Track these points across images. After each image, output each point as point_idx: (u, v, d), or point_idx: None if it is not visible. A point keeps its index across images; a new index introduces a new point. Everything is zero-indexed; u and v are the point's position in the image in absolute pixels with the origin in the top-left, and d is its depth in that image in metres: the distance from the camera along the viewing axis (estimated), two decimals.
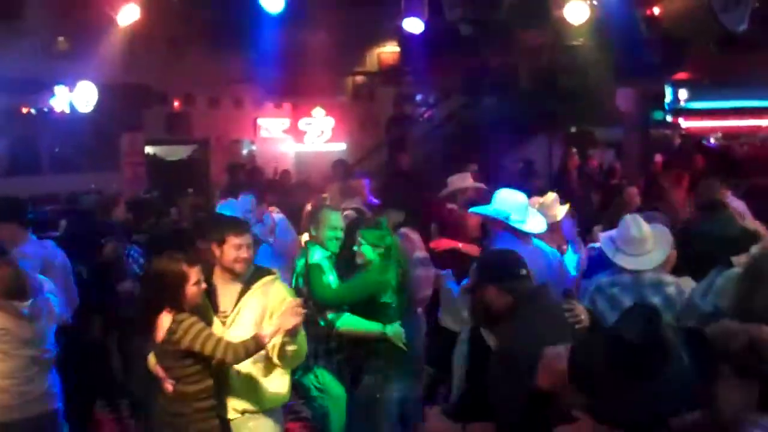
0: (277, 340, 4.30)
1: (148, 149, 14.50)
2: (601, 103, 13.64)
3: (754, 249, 4.84)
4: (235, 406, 4.53)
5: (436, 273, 6.09)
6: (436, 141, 15.40)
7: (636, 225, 4.91)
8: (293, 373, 4.86)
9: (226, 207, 7.36)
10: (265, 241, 6.82)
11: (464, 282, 4.02)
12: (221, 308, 4.55)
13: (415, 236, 6.49)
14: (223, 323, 4.49)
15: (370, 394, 5.43)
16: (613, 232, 5.03)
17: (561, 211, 6.05)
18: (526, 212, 5.41)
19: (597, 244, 5.46)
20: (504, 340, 3.49)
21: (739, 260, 4.80)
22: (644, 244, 4.86)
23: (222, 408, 4.49)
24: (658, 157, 12.53)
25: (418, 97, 17.54)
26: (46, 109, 12.53)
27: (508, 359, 3.31)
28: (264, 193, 7.95)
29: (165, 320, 4.29)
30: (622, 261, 4.86)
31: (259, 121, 16.09)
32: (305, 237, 6.29)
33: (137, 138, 13.88)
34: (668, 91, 15.13)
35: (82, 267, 6.52)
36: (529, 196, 5.74)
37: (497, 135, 12.47)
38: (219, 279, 4.58)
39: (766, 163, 11.31)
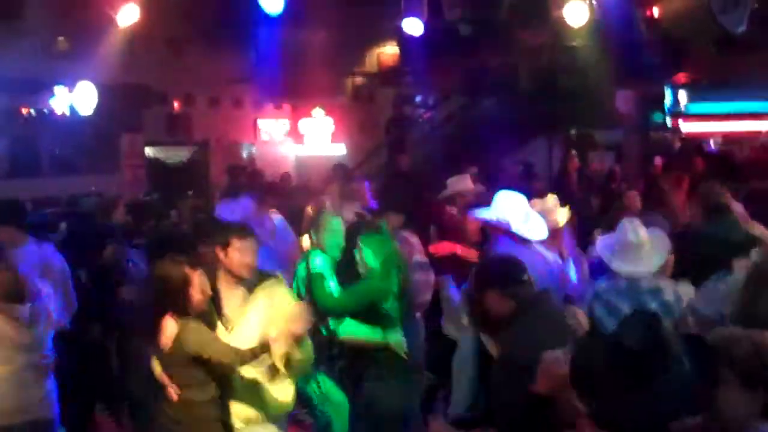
0: (284, 348, 4.27)
1: (148, 152, 14.49)
2: (600, 103, 13.65)
3: (755, 253, 4.85)
4: (239, 413, 4.50)
5: (437, 279, 6.08)
6: (436, 142, 15.40)
7: (633, 230, 4.91)
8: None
9: (225, 209, 7.34)
10: (264, 244, 6.80)
11: (464, 287, 4.03)
12: (225, 312, 4.52)
13: (414, 240, 6.48)
14: (227, 328, 4.47)
15: (371, 401, 5.43)
16: (610, 238, 5.03)
17: (562, 216, 6.04)
18: (527, 217, 5.40)
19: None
20: (505, 346, 3.50)
21: (740, 264, 4.81)
22: (641, 249, 4.85)
23: (226, 415, 4.47)
24: (658, 160, 12.52)
25: (418, 99, 17.53)
26: (45, 110, 12.52)
27: (509, 365, 3.32)
28: (264, 196, 7.95)
29: (169, 325, 4.25)
30: (619, 266, 4.85)
31: (260, 123, 16.08)
32: (305, 240, 6.29)
33: (137, 140, 13.86)
34: (668, 94, 15.12)
35: (81, 270, 6.51)
36: (529, 198, 5.72)
37: (497, 136, 12.46)
38: (223, 283, 4.55)
39: (766, 167, 11.28)
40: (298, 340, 4.27)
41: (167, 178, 14.01)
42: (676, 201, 7.93)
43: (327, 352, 5.51)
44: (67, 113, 12.42)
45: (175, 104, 14.45)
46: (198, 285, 4.31)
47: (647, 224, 5.25)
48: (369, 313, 5.40)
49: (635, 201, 7.66)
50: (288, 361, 4.38)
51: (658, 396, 2.53)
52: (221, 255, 4.49)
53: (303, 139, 16.56)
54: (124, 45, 11.16)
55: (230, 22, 12.40)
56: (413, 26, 12.13)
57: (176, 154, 15.48)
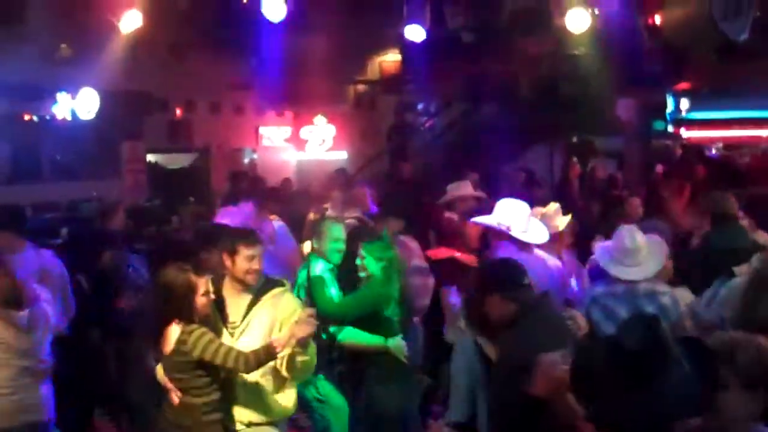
0: (287, 351, 4.28)
1: (149, 157, 14.49)
2: (602, 111, 13.65)
3: (756, 259, 4.86)
4: (241, 417, 4.50)
5: (440, 287, 6.07)
6: (437, 150, 15.40)
7: (630, 236, 4.94)
8: None
9: (225, 214, 7.33)
10: (265, 249, 6.79)
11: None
12: (230, 319, 4.52)
13: (413, 244, 6.49)
14: (232, 334, 4.46)
15: (371, 404, 5.42)
16: (608, 243, 5.06)
17: (562, 221, 6.05)
18: (528, 223, 5.41)
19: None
20: (505, 349, 3.49)
21: (741, 270, 4.81)
22: (638, 254, 4.89)
23: (227, 419, 4.46)
24: (659, 168, 12.53)
25: (420, 106, 17.55)
26: (47, 116, 12.52)
27: (509, 367, 3.31)
28: (264, 201, 7.94)
29: (173, 331, 4.25)
30: (617, 271, 4.89)
31: (261, 129, 16.09)
32: (307, 246, 6.28)
33: (138, 146, 13.86)
34: (669, 101, 15.13)
35: (81, 275, 6.50)
36: (531, 206, 5.73)
37: (498, 144, 12.45)
38: (228, 289, 4.55)
39: (766, 174, 11.29)
40: (303, 345, 4.26)
41: (168, 184, 14.00)
42: (677, 208, 7.93)
43: (327, 356, 5.51)
44: (69, 119, 12.42)
45: (177, 110, 14.46)
46: (202, 291, 4.30)
47: (647, 230, 5.26)
48: (370, 319, 5.40)
49: (637, 208, 7.67)
50: (291, 365, 4.37)
51: (658, 397, 2.52)
52: (228, 262, 4.49)
53: (304, 145, 16.58)
54: (126, 51, 11.17)
55: (232, 29, 12.42)
56: (415, 34, 12.15)
57: (177, 160, 15.49)
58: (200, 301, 4.29)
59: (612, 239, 5.04)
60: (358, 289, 5.51)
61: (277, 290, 4.56)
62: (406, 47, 14.07)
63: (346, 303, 5.49)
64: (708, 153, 15.27)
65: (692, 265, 6.01)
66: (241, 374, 4.37)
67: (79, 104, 12.33)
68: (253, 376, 4.40)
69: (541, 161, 14.36)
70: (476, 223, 5.93)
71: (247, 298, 4.52)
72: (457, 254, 6.51)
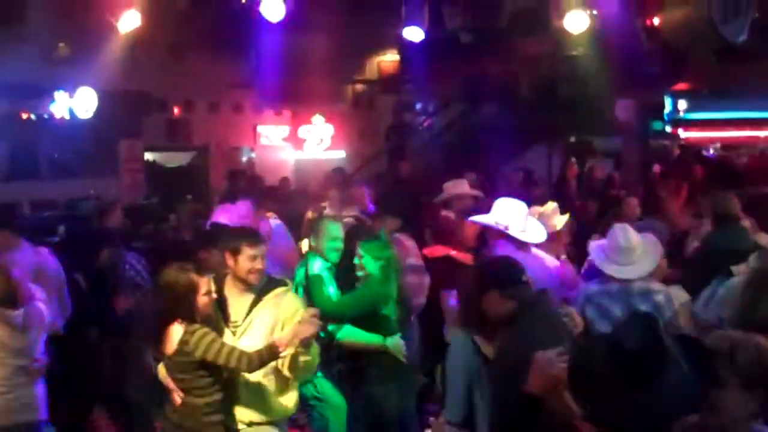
0: (289, 351, 4.27)
1: (148, 156, 14.49)
2: (600, 112, 13.66)
3: (753, 259, 4.87)
4: (242, 417, 4.49)
5: (448, 295, 6.05)
6: (436, 150, 15.40)
7: (624, 234, 4.95)
8: None
9: (221, 212, 7.34)
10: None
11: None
12: (232, 318, 4.50)
13: (409, 243, 6.49)
14: (234, 333, 4.45)
15: (370, 403, 5.42)
16: (603, 242, 5.07)
17: (560, 220, 6.06)
18: (526, 221, 5.41)
19: None
20: (503, 347, 3.49)
21: (739, 270, 4.83)
22: (632, 253, 4.90)
23: (229, 419, 4.44)
24: (657, 168, 12.55)
25: (418, 106, 17.56)
26: (45, 115, 12.53)
27: (507, 365, 3.31)
28: (261, 200, 7.94)
29: (175, 331, 4.23)
30: (611, 270, 4.90)
31: (259, 128, 16.10)
32: (305, 245, 6.29)
33: (136, 144, 13.87)
34: (667, 102, 15.15)
35: (78, 274, 6.50)
36: (529, 205, 5.74)
37: (497, 144, 12.47)
38: (231, 289, 4.53)
39: (764, 174, 11.30)
40: (306, 345, 4.26)
41: (167, 183, 14.01)
42: (674, 208, 7.94)
43: (325, 355, 5.50)
44: (67, 118, 12.42)
45: (175, 109, 14.46)
46: (204, 291, 4.28)
47: (645, 230, 5.28)
48: (368, 318, 5.40)
49: (634, 208, 7.67)
50: (294, 365, 4.37)
51: (657, 397, 2.53)
52: (231, 261, 4.47)
53: (302, 144, 16.58)
54: (125, 51, 11.16)
55: (231, 29, 12.41)
56: (414, 34, 12.15)
57: (176, 159, 15.49)
58: (202, 300, 4.27)
59: (606, 238, 5.05)
60: (356, 288, 5.51)
61: (279, 290, 4.55)
62: (405, 47, 14.07)
63: (344, 302, 5.49)
64: (706, 153, 15.30)
65: (693, 265, 6.03)
66: (243, 374, 4.36)
67: (77, 103, 12.34)
68: (255, 376, 4.39)
69: (540, 161, 14.38)
70: (474, 222, 5.94)
71: (250, 297, 4.50)
72: (453, 252, 6.52)
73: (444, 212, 7.25)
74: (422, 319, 6.25)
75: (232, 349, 4.21)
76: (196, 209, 9.50)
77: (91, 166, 13.16)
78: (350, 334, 5.41)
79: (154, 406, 6.18)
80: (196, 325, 4.22)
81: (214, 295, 4.37)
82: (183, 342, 4.18)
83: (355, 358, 5.51)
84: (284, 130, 16.53)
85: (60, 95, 12.36)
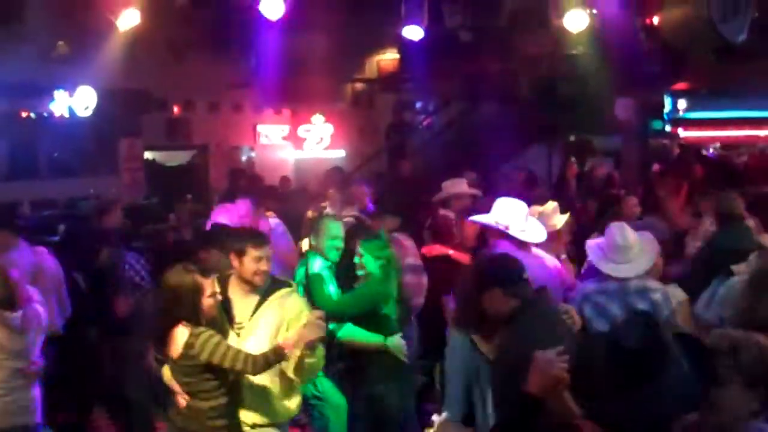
0: (295, 353, 4.26)
1: (148, 155, 14.49)
2: (600, 111, 13.65)
3: (754, 258, 4.87)
4: (245, 419, 4.49)
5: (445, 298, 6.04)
6: (436, 148, 15.40)
7: (621, 233, 4.95)
8: None
9: (221, 211, 7.34)
10: None
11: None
12: (236, 319, 4.49)
13: (408, 242, 6.49)
14: (238, 335, 4.44)
15: (370, 402, 5.43)
16: (600, 241, 5.06)
17: (560, 220, 6.06)
18: (526, 221, 5.41)
19: None
20: (505, 345, 3.48)
21: (739, 269, 4.83)
22: (629, 252, 4.90)
23: (233, 422, 4.42)
24: (657, 167, 12.55)
25: (418, 105, 17.55)
26: (45, 114, 12.52)
27: (508, 364, 3.30)
28: (262, 199, 7.94)
29: (180, 333, 4.20)
30: (608, 269, 4.91)
31: (259, 127, 16.10)
32: (305, 244, 6.29)
33: (136, 143, 13.86)
34: (667, 101, 15.14)
35: (78, 274, 6.49)
36: (530, 205, 5.74)
37: (496, 143, 12.46)
38: (235, 290, 4.53)
39: (763, 173, 11.31)
40: (311, 347, 4.25)
41: (166, 182, 14.00)
42: (673, 207, 7.94)
43: (326, 354, 5.50)
44: (67, 116, 12.42)
45: (175, 108, 14.46)
46: (209, 292, 4.26)
47: (644, 229, 5.28)
48: (368, 317, 5.41)
49: (633, 208, 7.66)
50: (299, 367, 4.37)
51: (658, 396, 2.53)
52: (236, 263, 4.46)
53: (302, 143, 16.58)
54: (124, 50, 11.14)
55: (230, 28, 12.41)
56: (413, 33, 12.13)
57: (175, 158, 15.49)
58: (207, 302, 4.25)
59: (603, 237, 5.06)
60: (357, 287, 5.52)
61: (284, 291, 4.55)
62: (405, 46, 14.05)
63: (344, 301, 5.49)
64: (705, 152, 15.30)
65: (696, 265, 6.03)
66: (248, 376, 4.34)
67: (76, 102, 12.33)
68: (259, 379, 4.38)
69: (539, 160, 14.36)
70: (474, 222, 5.94)
71: (254, 298, 4.49)
72: (451, 252, 6.52)
73: (443, 211, 7.26)
74: (421, 319, 6.25)
75: (238, 351, 4.18)
76: (196, 209, 9.50)
77: (91, 165, 13.16)
78: (351, 334, 5.42)
79: (154, 406, 6.21)
80: (201, 328, 4.19)
81: (219, 297, 4.36)
82: (188, 345, 4.14)
83: (355, 357, 5.51)
84: (284, 129, 16.53)
85: (59, 94, 12.36)
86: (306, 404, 5.62)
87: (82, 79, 12.07)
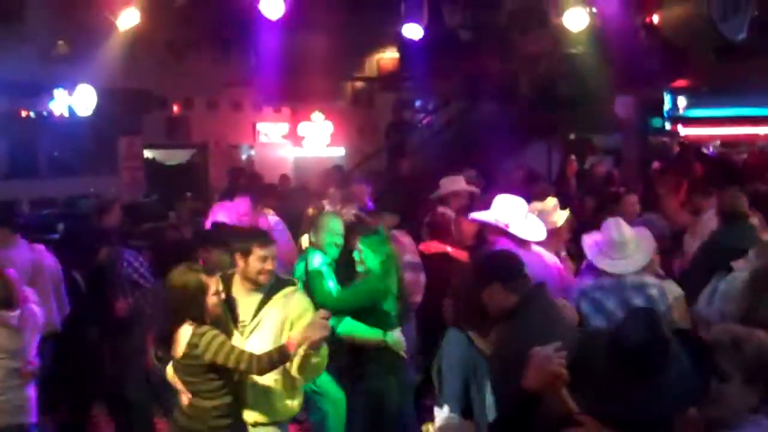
0: (299, 352, 4.25)
1: (147, 153, 14.50)
2: (600, 110, 13.65)
3: (752, 254, 4.87)
4: (247, 418, 4.48)
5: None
6: (435, 147, 15.40)
7: (617, 229, 4.95)
8: None
9: (219, 209, 7.34)
10: None
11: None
12: (240, 318, 4.49)
13: (406, 240, 6.49)
14: (242, 333, 4.44)
15: (369, 399, 5.43)
16: (596, 237, 5.06)
17: (560, 216, 6.05)
18: (525, 219, 5.41)
19: None
20: (505, 340, 3.47)
21: (738, 265, 4.83)
22: (625, 247, 4.90)
23: (236, 421, 4.41)
24: (657, 164, 12.55)
25: (418, 104, 17.55)
26: (45, 113, 12.53)
27: (509, 359, 3.29)
28: (262, 198, 7.95)
29: (184, 333, 4.19)
30: (604, 265, 4.91)
31: (259, 126, 16.10)
32: (305, 241, 6.29)
33: (135, 142, 13.87)
34: (667, 99, 15.13)
35: (77, 273, 6.48)
36: (529, 201, 5.74)
37: (496, 141, 12.45)
38: (239, 289, 4.53)
39: (763, 171, 11.30)
40: (316, 347, 4.25)
41: (166, 180, 14.02)
42: (672, 204, 7.93)
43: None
44: (66, 116, 12.42)
45: (175, 107, 14.47)
46: (213, 291, 4.26)
47: (644, 225, 5.28)
48: (368, 313, 5.41)
49: (633, 206, 7.65)
50: (304, 366, 4.37)
51: (659, 393, 2.54)
52: (241, 262, 4.46)
53: (302, 141, 16.59)
54: (124, 49, 11.14)
55: (230, 26, 12.41)
56: (413, 31, 12.12)
57: (175, 156, 15.50)
58: (211, 300, 4.24)
59: (600, 233, 5.06)
60: (357, 283, 5.52)
61: (287, 289, 4.54)
62: (404, 45, 14.04)
63: (344, 296, 5.50)
64: (705, 150, 15.29)
65: (697, 262, 6.03)
66: (253, 377, 4.34)
67: (76, 101, 12.34)
68: (263, 377, 4.37)
69: (539, 159, 14.37)
70: (474, 220, 5.93)
71: (258, 297, 4.49)
72: (449, 249, 6.52)
73: (441, 209, 7.26)
74: (419, 316, 6.25)
75: (242, 352, 4.17)
76: (195, 207, 9.51)
77: (91, 163, 13.17)
78: (350, 329, 5.42)
79: (154, 405, 6.21)
80: (206, 327, 4.17)
81: (223, 295, 4.35)
82: (192, 345, 4.13)
83: (355, 353, 5.51)
84: (284, 127, 16.54)
85: (59, 93, 12.36)
86: (304, 399, 5.63)
87: (81, 78, 12.08)
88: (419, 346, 6.14)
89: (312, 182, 10.61)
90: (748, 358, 2.72)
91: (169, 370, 4.41)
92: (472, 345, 3.67)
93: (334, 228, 5.72)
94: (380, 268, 5.40)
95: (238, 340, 4.36)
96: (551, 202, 6.11)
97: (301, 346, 4.19)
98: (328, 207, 7.49)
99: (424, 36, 12.11)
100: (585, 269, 5.59)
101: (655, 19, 12.51)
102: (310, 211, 7.34)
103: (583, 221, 6.86)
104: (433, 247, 6.59)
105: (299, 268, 5.71)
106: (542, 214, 5.79)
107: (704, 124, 15.20)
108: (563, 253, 6.02)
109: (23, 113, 12.55)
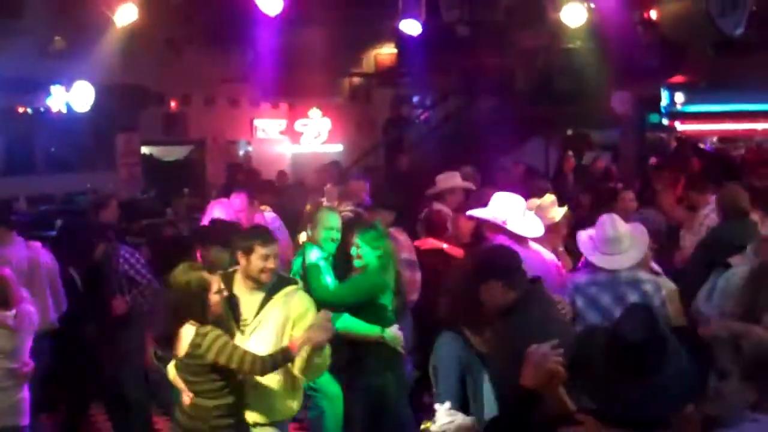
0: (302, 353, 4.25)
1: (145, 149, 14.49)
2: (597, 105, 13.65)
3: (750, 250, 4.88)
4: (247, 417, 4.46)
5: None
6: (433, 143, 15.39)
7: (612, 225, 4.95)
8: None
9: (216, 206, 7.33)
10: None
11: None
12: (242, 317, 4.47)
13: (402, 237, 6.48)
14: (243, 332, 4.42)
15: (367, 395, 5.43)
16: (591, 232, 5.06)
17: (558, 212, 6.05)
18: (523, 215, 5.41)
19: None
20: (503, 337, 3.47)
21: (735, 261, 4.83)
22: (620, 243, 4.90)
23: (238, 421, 4.39)
24: (654, 160, 12.55)
25: (415, 99, 17.54)
26: (42, 109, 12.52)
27: (505, 356, 3.29)
28: (259, 194, 7.94)
29: (187, 332, 4.17)
30: (599, 260, 4.90)
31: (256, 122, 16.10)
32: (303, 236, 6.28)
33: (133, 138, 13.86)
34: (665, 95, 15.13)
35: (74, 270, 6.46)
36: (528, 198, 5.73)
37: (494, 137, 12.45)
38: (240, 287, 4.50)
39: (761, 167, 11.30)
40: (318, 348, 4.24)
41: (164, 176, 14.01)
42: (669, 200, 7.93)
43: None
44: (64, 112, 12.41)
45: (172, 103, 14.45)
46: (215, 289, 4.24)
47: (641, 221, 5.28)
48: (366, 308, 5.40)
49: (630, 202, 7.65)
50: (307, 367, 4.36)
51: (658, 389, 2.54)
52: (243, 261, 4.43)
53: (299, 137, 16.58)
54: (121, 45, 11.13)
55: (228, 22, 12.40)
56: (411, 27, 12.12)
57: (173, 152, 15.48)
58: (213, 299, 4.22)
59: (594, 228, 5.06)
60: (354, 277, 5.52)
61: (289, 288, 4.53)
62: (402, 40, 14.05)
63: (341, 290, 5.48)
64: (703, 146, 15.28)
65: (695, 258, 6.03)
66: (255, 377, 4.32)
67: (73, 97, 12.32)
68: (265, 378, 4.35)
69: (537, 154, 14.36)
70: (471, 217, 5.93)
71: (260, 295, 4.47)
72: (445, 246, 6.52)
73: (437, 205, 7.25)
74: (415, 312, 6.25)
75: (245, 353, 4.15)
76: (192, 203, 9.51)
77: (88, 160, 13.16)
78: (348, 325, 5.41)
79: (152, 403, 6.20)
80: (208, 327, 4.15)
81: (225, 293, 4.34)
82: (195, 345, 4.11)
83: (352, 348, 5.51)
84: (281, 123, 16.54)
85: (57, 89, 12.35)
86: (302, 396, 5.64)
87: (79, 74, 12.07)
88: (416, 342, 6.14)
89: (309, 178, 10.59)
90: (747, 355, 2.72)
91: (171, 369, 4.39)
92: (467, 344, 3.67)
93: (331, 223, 5.71)
94: (378, 263, 5.39)
95: (239, 339, 4.34)
96: (549, 198, 6.10)
97: (304, 348, 4.18)
98: (325, 203, 7.48)
99: (421, 31, 12.11)
100: (582, 266, 5.60)
101: (653, 14, 12.52)
102: (309, 207, 7.34)
103: (580, 218, 6.86)
104: (428, 243, 6.59)
105: (297, 263, 5.70)
106: (540, 211, 5.78)
107: (702, 120, 15.18)
108: (561, 249, 6.01)
109: (20, 109, 12.54)
